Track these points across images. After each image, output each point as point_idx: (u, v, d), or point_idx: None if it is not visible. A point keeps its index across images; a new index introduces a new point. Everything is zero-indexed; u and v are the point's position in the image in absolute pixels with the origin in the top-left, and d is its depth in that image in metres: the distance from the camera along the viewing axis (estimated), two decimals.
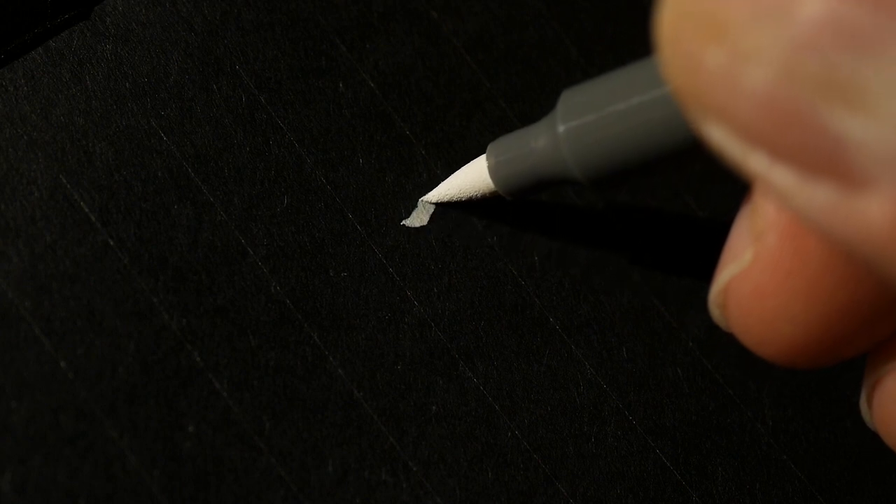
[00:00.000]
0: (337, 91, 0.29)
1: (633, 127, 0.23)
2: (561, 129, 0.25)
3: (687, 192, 0.31)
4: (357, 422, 0.27)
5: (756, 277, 0.22)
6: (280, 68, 0.29)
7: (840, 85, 0.15)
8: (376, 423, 0.27)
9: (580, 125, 0.24)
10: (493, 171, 0.27)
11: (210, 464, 0.26)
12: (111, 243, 0.27)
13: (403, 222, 0.29)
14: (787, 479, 0.29)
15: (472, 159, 0.28)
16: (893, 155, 0.15)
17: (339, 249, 0.28)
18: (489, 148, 0.28)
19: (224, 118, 0.28)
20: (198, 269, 0.27)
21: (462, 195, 0.29)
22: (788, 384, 0.30)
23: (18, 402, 0.25)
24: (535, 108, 0.31)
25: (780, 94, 0.16)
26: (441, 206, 0.29)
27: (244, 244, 0.28)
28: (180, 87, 0.28)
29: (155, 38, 0.28)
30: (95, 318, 0.26)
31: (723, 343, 0.30)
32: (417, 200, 0.29)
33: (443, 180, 0.29)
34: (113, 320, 0.26)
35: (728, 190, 0.31)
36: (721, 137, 0.18)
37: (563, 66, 0.31)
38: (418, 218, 0.29)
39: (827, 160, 0.16)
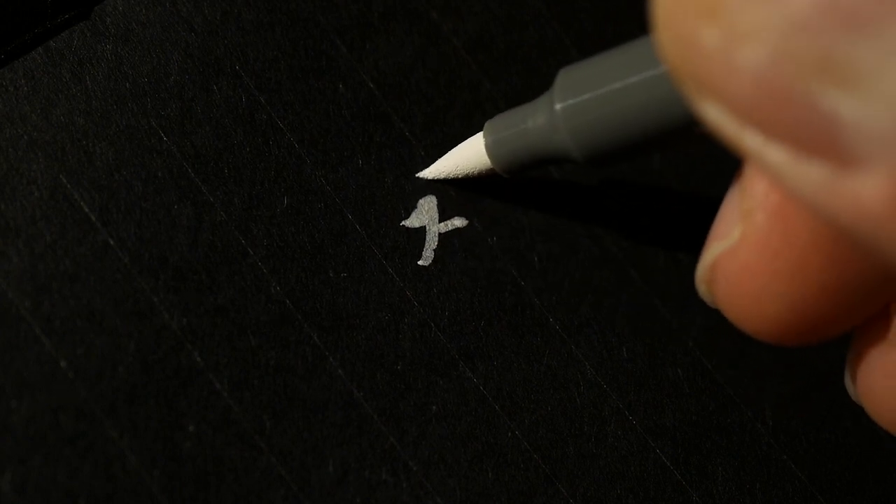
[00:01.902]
0: (337, 91, 0.29)
1: (630, 105, 0.23)
2: (558, 106, 0.25)
3: (687, 192, 0.31)
4: (357, 421, 0.27)
5: (743, 255, 0.22)
6: (280, 68, 0.29)
7: (834, 64, 0.16)
8: (376, 422, 0.27)
9: (577, 103, 0.24)
10: (489, 148, 0.28)
11: (210, 463, 0.26)
12: (111, 243, 0.27)
13: (403, 223, 0.29)
14: (787, 479, 0.29)
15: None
16: (886, 133, 0.15)
17: (338, 250, 0.28)
18: (486, 125, 0.28)
19: (224, 118, 0.28)
20: (198, 268, 0.27)
21: (458, 172, 0.29)
22: (788, 384, 0.30)
23: (18, 402, 0.25)
24: None
25: (774, 73, 0.16)
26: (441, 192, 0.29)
27: (244, 244, 0.28)
28: (180, 87, 0.28)
29: (155, 38, 0.28)
30: (95, 318, 0.26)
31: (723, 343, 0.30)
32: (417, 201, 0.29)
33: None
34: (113, 320, 0.26)
35: (727, 189, 0.31)
36: (716, 116, 0.18)
37: (563, 65, 0.31)
38: (418, 219, 0.29)
39: (820, 139, 0.16)
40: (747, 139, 0.17)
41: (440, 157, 0.29)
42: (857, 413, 0.30)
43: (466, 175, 0.29)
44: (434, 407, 0.28)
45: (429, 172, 0.29)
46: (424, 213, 0.29)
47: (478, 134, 0.28)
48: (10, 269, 0.26)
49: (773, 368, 0.30)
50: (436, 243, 0.29)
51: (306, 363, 0.27)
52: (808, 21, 0.16)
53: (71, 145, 0.27)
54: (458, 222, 0.29)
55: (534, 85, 0.31)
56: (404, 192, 0.29)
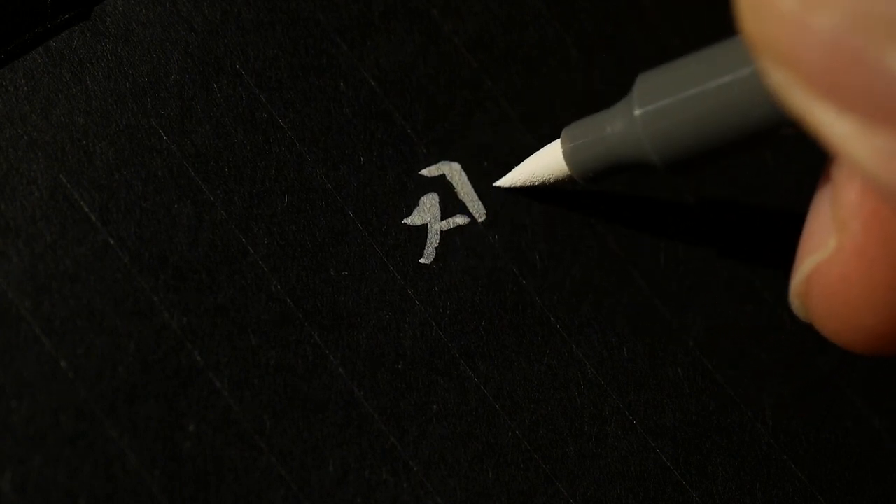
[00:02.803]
0: (338, 89, 0.29)
1: (709, 110, 0.23)
2: (637, 112, 0.25)
3: (688, 192, 0.31)
4: (358, 421, 0.27)
5: (841, 266, 0.22)
6: (280, 67, 0.29)
7: None
8: (377, 422, 0.27)
9: (657, 108, 0.24)
10: (567, 155, 0.27)
11: (210, 463, 0.26)
12: (111, 242, 0.27)
13: (405, 221, 0.29)
14: (787, 480, 0.29)
15: (478, 155, 0.28)
16: None
17: (339, 248, 0.28)
18: (564, 132, 0.28)
19: (224, 117, 0.28)
20: (198, 268, 0.27)
21: (535, 180, 0.29)
22: (788, 384, 0.30)
23: (18, 402, 0.25)
24: (535, 107, 0.31)
25: (847, 38, 0.16)
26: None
27: (245, 243, 0.28)
28: (180, 86, 0.28)
29: (155, 38, 0.28)
30: (95, 318, 0.26)
31: (723, 343, 0.30)
32: (419, 199, 0.29)
33: (448, 176, 0.29)
34: (113, 320, 0.26)
35: (727, 189, 0.31)
36: (788, 86, 0.18)
37: (564, 65, 0.31)
38: (419, 216, 0.29)
39: (890, 107, 0.16)
40: (817, 110, 0.17)
41: (441, 154, 0.29)
42: (857, 413, 0.30)
43: (543, 182, 0.29)
44: (435, 406, 0.28)
45: (506, 180, 0.29)
46: (426, 211, 0.29)
47: (555, 141, 0.28)
48: (10, 269, 0.26)
49: (773, 368, 0.30)
50: (437, 241, 0.29)
51: (307, 362, 0.27)
52: None
53: (71, 145, 0.27)
54: (460, 220, 0.29)
55: (534, 84, 0.31)
56: (406, 189, 0.29)
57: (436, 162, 0.30)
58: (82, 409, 0.26)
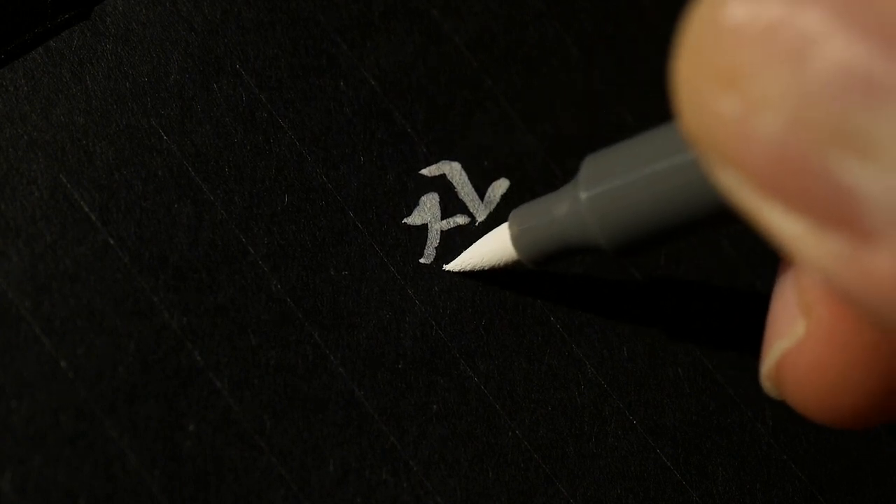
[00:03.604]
0: (338, 89, 0.29)
1: (656, 193, 0.22)
2: (583, 195, 0.24)
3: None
4: (358, 421, 0.27)
5: (811, 351, 0.21)
6: (281, 67, 0.29)
7: (850, 133, 0.15)
8: (377, 422, 0.27)
9: (603, 192, 0.24)
10: (515, 239, 0.27)
11: (210, 463, 0.26)
12: (111, 242, 0.27)
13: (405, 220, 0.29)
14: (787, 480, 0.29)
15: (478, 154, 0.28)
16: None
17: (339, 248, 0.28)
18: (511, 216, 0.27)
19: (224, 117, 0.28)
20: (198, 267, 0.27)
21: (485, 264, 0.28)
22: None
23: (18, 402, 0.25)
24: (535, 106, 0.31)
25: (790, 141, 0.16)
26: (459, 274, 0.29)
27: (245, 243, 0.28)
28: (180, 86, 0.28)
29: (155, 38, 0.28)
30: (95, 318, 0.26)
31: (723, 343, 0.30)
32: (419, 199, 0.29)
33: (449, 176, 0.29)
34: (113, 319, 0.26)
35: None
36: (736, 187, 0.17)
37: (564, 65, 0.31)
38: (420, 216, 0.29)
39: (837, 211, 0.16)
40: (766, 211, 0.17)
41: (442, 154, 0.29)
42: None
43: (493, 266, 0.28)
44: (435, 406, 0.28)
45: (455, 265, 0.29)
46: (426, 211, 0.29)
47: (503, 225, 0.28)
48: (10, 269, 0.26)
49: None
50: (438, 241, 0.29)
51: (307, 362, 0.27)
52: (824, 90, 0.15)
53: (71, 145, 0.27)
54: (461, 220, 0.29)
55: (534, 84, 0.31)
56: (406, 189, 0.29)
57: (436, 162, 0.30)
58: (82, 409, 0.26)
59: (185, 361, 0.26)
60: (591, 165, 0.24)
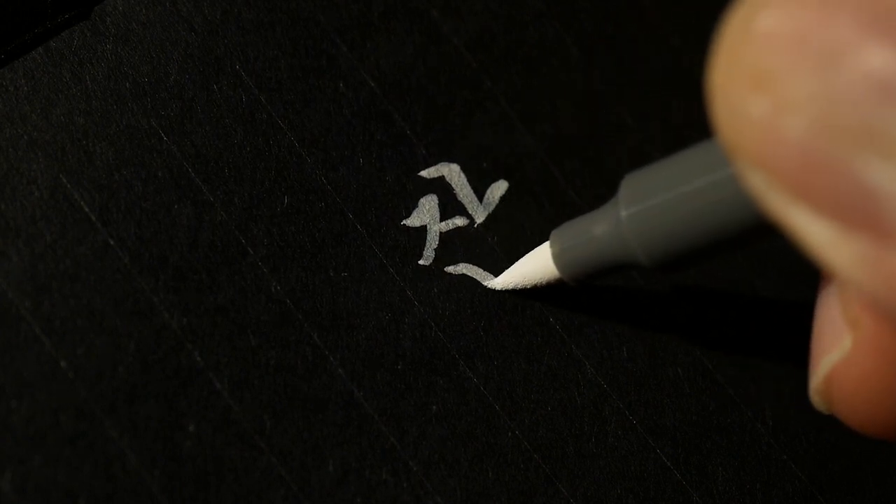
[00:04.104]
0: (337, 90, 0.29)
1: (696, 209, 0.23)
2: (624, 214, 0.25)
3: None
4: (357, 421, 0.27)
5: (859, 364, 0.21)
6: (280, 68, 0.29)
7: (875, 135, 0.16)
8: (377, 422, 0.27)
9: (643, 210, 0.24)
10: (556, 258, 0.28)
11: (210, 463, 0.26)
12: (111, 243, 0.27)
13: (404, 222, 0.29)
14: (787, 480, 0.29)
15: (477, 156, 0.28)
16: None
17: (339, 249, 0.28)
18: (552, 235, 0.28)
19: (224, 118, 0.28)
20: (198, 268, 0.27)
21: (527, 283, 0.29)
22: (788, 384, 0.30)
23: (18, 402, 0.25)
24: (535, 107, 0.31)
25: (816, 143, 0.16)
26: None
27: (244, 244, 0.28)
28: (180, 86, 0.28)
29: (155, 38, 0.28)
30: (95, 318, 0.26)
31: (723, 343, 0.30)
32: (418, 200, 0.29)
33: (448, 178, 0.29)
34: (113, 320, 0.26)
35: None
36: (764, 189, 0.18)
37: (564, 65, 0.31)
38: (419, 218, 0.29)
39: (861, 212, 0.16)
40: (793, 213, 0.17)
41: (441, 155, 0.29)
42: None
43: (535, 285, 0.29)
44: (434, 407, 0.28)
45: (497, 283, 0.29)
46: (425, 212, 0.29)
47: (544, 244, 0.28)
48: (10, 269, 0.26)
49: (773, 368, 0.30)
50: (437, 242, 0.29)
51: (306, 363, 0.27)
52: (851, 94, 0.16)
53: (71, 145, 0.27)
54: (459, 221, 0.29)
55: (534, 84, 0.31)
56: (405, 190, 0.29)
57: (435, 163, 0.30)
58: (82, 409, 0.26)
59: (185, 362, 0.26)
60: (631, 184, 0.25)
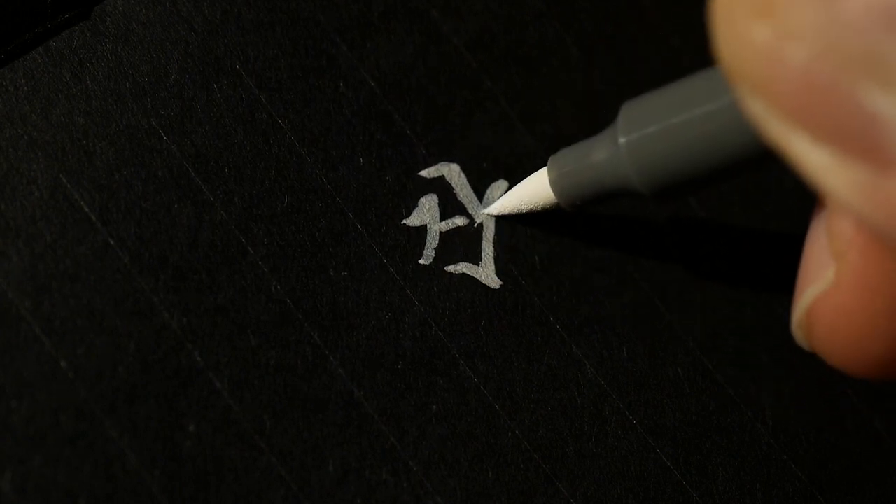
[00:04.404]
0: (337, 90, 0.29)
1: (693, 137, 0.23)
2: (622, 140, 0.25)
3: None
4: (357, 421, 0.27)
5: (841, 297, 0.22)
6: (280, 67, 0.29)
7: (878, 63, 0.16)
8: (377, 422, 0.27)
9: (641, 136, 0.25)
10: (554, 182, 0.28)
11: (210, 463, 0.26)
12: (111, 243, 0.27)
13: (404, 221, 0.29)
14: (787, 480, 0.29)
15: (477, 155, 0.28)
16: None
17: (339, 249, 0.28)
18: (550, 160, 0.28)
19: (224, 117, 0.28)
20: (198, 268, 0.27)
21: (523, 207, 0.29)
22: (788, 384, 0.30)
23: (18, 402, 0.25)
24: (535, 107, 0.31)
25: (818, 69, 0.17)
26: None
27: (244, 243, 0.28)
28: (180, 86, 0.28)
29: (155, 38, 0.28)
30: (95, 318, 0.26)
31: (723, 343, 0.30)
32: (418, 200, 0.29)
33: (447, 177, 0.29)
34: (113, 320, 0.26)
35: (729, 190, 0.31)
36: (765, 115, 0.18)
37: (564, 65, 0.31)
38: (419, 217, 0.29)
39: (860, 139, 0.16)
40: (794, 140, 0.18)
41: (441, 155, 0.29)
42: (858, 413, 0.30)
43: (531, 209, 0.29)
44: (434, 406, 0.28)
45: (495, 208, 0.29)
46: (425, 212, 0.29)
47: (542, 169, 0.28)
48: (10, 269, 0.26)
49: (773, 368, 0.30)
50: (437, 242, 0.29)
51: (306, 363, 0.27)
52: (855, 20, 0.16)
53: (71, 145, 0.27)
54: (459, 221, 0.29)
55: (534, 84, 0.31)
56: (405, 190, 0.29)
57: (435, 163, 0.30)
58: (82, 409, 0.26)
59: (185, 361, 0.26)
60: (629, 111, 0.25)
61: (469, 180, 0.30)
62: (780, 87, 0.17)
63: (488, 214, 0.29)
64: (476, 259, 0.29)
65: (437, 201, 0.29)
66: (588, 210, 0.29)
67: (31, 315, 0.26)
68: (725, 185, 0.31)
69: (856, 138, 0.16)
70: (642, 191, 0.25)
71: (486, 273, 0.29)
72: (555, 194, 0.28)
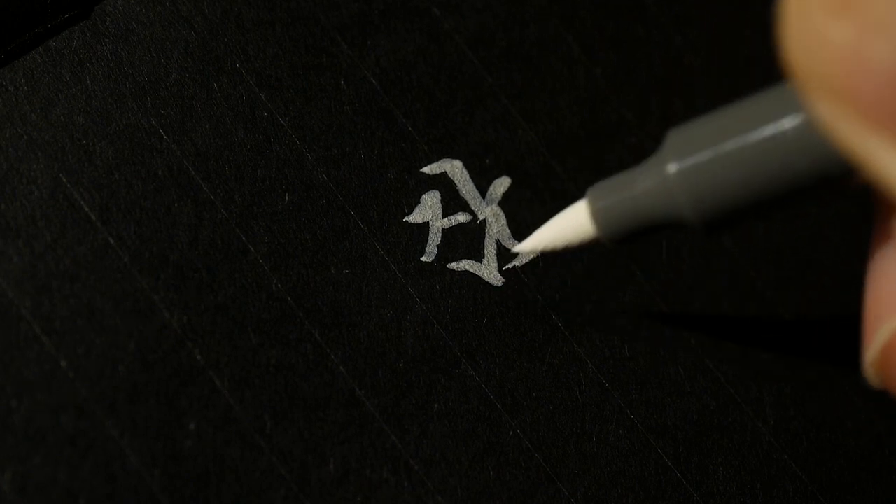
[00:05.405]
0: (338, 88, 0.29)
1: (753, 161, 0.22)
2: (673, 168, 0.23)
3: None
4: (358, 420, 0.27)
5: None
6: (281, 66, 0.29)
7: None
8: (378, 421, 0.27)
9: (694, 164, 0.23)
10: (596, 216, 0.26)
11: (211, 462, 0.26)
12: (111, 242, 0.27)
13: (406, 218, 0.29)
14: (788, 479, 0.29)
15: (479, 152, 0.28)
16: None
17: (340, 246, 0.28)
18: (589, 192, 0.26)
19: (225, 116, 0.28)
20: (198, 266, 0.27)
21: (559, 242, 0.27)
22: (789, 384, 0.30)
23: (18, 402, 0.25)
24: (536, 104, 0.30)
25: None
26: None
27: (245, 242, 0.28)
28: (181, 85, 0.28)
29: (155, 38, 0.28)
30: (96, 317, 0.26)
31: (724, 342, 0.30)
32: (420, 197, 0.29)
33: (450, 174, 0.29)
34: (113, 319, 0.26)
35: None
36: (842, 121, 0.17)
37: (565, 62, 0.31)
38: (421, 214, 0.29)
39: None
40: (873, 147, 0.16)
41: (442, 152, 0.29)
42: (858, 413, 0.30)
43: (567, 246, 0.27)
44: (436, 405, 0.28)
45: (527, 245, 0.27)
46: (427, 209, 0.29)
47: (579, 202, 0.26)
48: (10, 269, 0.26)
49: (774, 368, 0.30)
50: (439, 239, 0.29)
51: (307, 361, 0.27)
52: None
53: (71, 145, 0.27)
54: (462, 218, 0.29)
55: (535, 81, 0.31)
56: (407, 187, 0.29)
57: (437, 160, 0.30)
58: (82, 408, 0.26)
59: (186, 360, 0.26)
60: (677, 138, 0.24)
61: (471, 177, 0.30)
62: (859, 88, 0.16)
63: (519, 252, 0.28)
64: (479, 256, 0.29)
65: (439, 198, 0.29)
66: (628, 245, 0.27)
67: (31, 315, 0.26)
68: None
69: None
70: (694, 222, 0.23)
71: (488, 270, 0.29)
72: (597, 229, 0.26)
